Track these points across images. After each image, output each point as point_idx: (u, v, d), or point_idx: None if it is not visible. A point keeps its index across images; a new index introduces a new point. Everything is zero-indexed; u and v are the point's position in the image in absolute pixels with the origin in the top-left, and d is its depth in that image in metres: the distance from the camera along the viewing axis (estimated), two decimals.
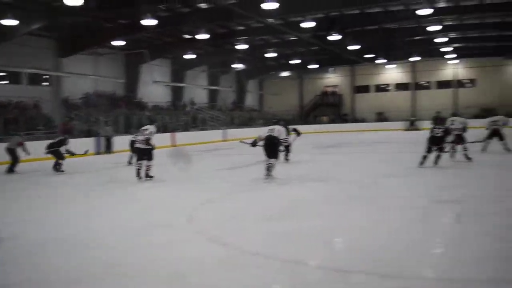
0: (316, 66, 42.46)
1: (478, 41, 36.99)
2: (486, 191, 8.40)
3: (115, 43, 27.05)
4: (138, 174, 11.20)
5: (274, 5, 19.66)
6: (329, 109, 48.46)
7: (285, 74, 48.39)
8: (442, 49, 38.10)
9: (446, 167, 12.07)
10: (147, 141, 11.17)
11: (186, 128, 30.90)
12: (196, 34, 26.75)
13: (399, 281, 4.14)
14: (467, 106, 42.40)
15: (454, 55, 40.59)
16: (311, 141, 25.50)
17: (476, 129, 19.96)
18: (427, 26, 29.02)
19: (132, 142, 13.73)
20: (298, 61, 40.14)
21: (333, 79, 49.51)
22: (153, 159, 11.34)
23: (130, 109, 29.43)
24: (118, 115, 26.82)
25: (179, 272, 4.51)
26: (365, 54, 38.04)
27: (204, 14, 24.22)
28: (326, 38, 28.46)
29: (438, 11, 25.87)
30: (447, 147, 12.59)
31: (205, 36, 26.53)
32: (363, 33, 31.15)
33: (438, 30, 30.09)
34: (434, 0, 24.73)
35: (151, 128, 11.55)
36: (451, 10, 26.61)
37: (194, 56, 33.19)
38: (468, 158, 13.02)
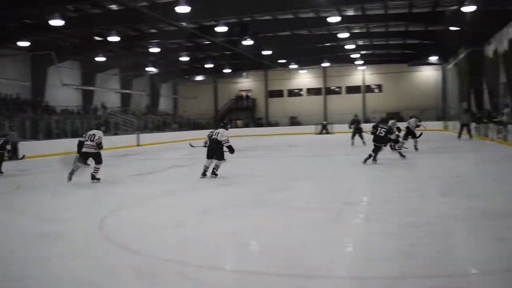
0: (230, 70, 42.86)
1: (384, 48, 38.95)
2: (393, 192, 8.79)
3: (21, 43, 25.72)
4: (70, 177, 11.20)
5: (187, 9, 19.55)
6: (243, 113, 48.99)
7: (199, 78, 48.28)
8: (351, 56, 39.69)
9: (361, 169, 12.54)
10: (98, 145, 11.40)
11: None
12: (107, 36, 26.04)
13: (311, 281, 4.22)
14: (374, 110, 44.37)
15: (362, 62, 42.46)
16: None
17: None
18: (337, 33, 30.14)
19: (80, 145, 14.06)
20: (212, 65, 40.22)
21: (247, 83, 50.03)
22: (101, 163, 11.50)
23: (37, 113, 28.05)
24: (24, 120, 25.46)
25: (92, 281, 4.35)
26: (278, 59, 38.79)
27: (114, 15, 23.63)
28: (240, 43, 28.73)
29: (346, 19, 26.95)
30: (393, 144, 13.81)
31: (116, 38, 25.88)
32: (275, 39, 31.76)
33: (347, 37, 31.38)
34: (342, 9, 25.70)
35: (98, 133, 11.58)
36: (358, 18, 27.82)
37: (105, 58, 32.27)
38: (403, 156, 14.18)
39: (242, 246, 5.53)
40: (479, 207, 7.01)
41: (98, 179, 11.40)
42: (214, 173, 11.54)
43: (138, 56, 35.43)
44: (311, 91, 48.48)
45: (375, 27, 31.36)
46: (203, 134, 13.61)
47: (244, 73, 48.92)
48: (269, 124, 47.26)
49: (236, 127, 45.70)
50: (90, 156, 11.60)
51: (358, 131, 22.20)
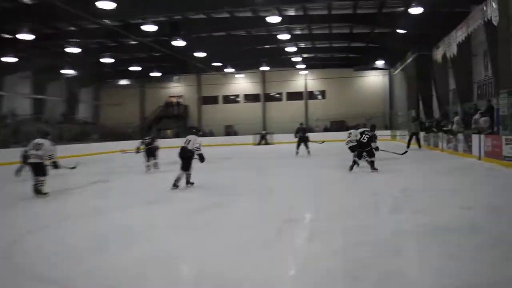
0: (159, 74, 42.49)
1: (328, 51, 39.81)
2: (338, 208, 8.94)
3: None
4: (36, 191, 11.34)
5: (111, 5, 19.22)
6: (174, 122, 48.59)
7: (124, 82, 47.59)
8: (293, 59, 40.25)
9: (303, 184, 12.69)
10: (47, 156, 11.53)
11: (5, 144, 28.79)
12: (18, 34, 25.16)
13: None
14: (317, 118, 45.22)
15: (304, 66, 43.18)
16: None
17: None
18: (277, 35, 30.47)
19: (25, 156, 14.40)
20: (139, 68, 39.74)
21: (178, 88, 49.84)
22: (47, 175, 11.59)
23: None
24: None
25: None
26: (212, 62, 38.80)
27: (27, 10, 22.92)
28: (170, 44, 28.56)
29: (287, 20, 27.36)
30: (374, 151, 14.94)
31: (29, 36, 25.08)
32: (209, 40, 31.80)
33: (288, 39, 31.82)
34: (283, 8, 26.07)
35: (46, 143, 11.63)
36: (300, 19, 28.29)
37: (15, 59, 31.15)
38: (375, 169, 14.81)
39: (168, 274, 5.40)
40: (428, 222, 7.25)
41: (45, 193, 11.40)
42: (188, 182, 12.25)
43: (53, 57, 34.43)
44: (249, 98, 48.87)
45: (318, 29, 31.98)
46: (130, 145, 13.41)
47: (175, 77, 48.79)
48: (203, 134, 47.15)
49: (166, 137, 45.27)
50: (36, 167, 11.49)
51: (303, 140, 22.78)
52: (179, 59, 34.64)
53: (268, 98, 48.45)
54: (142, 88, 49.57)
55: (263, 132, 42.27)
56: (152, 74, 41.91)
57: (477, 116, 18.95)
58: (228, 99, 49.28)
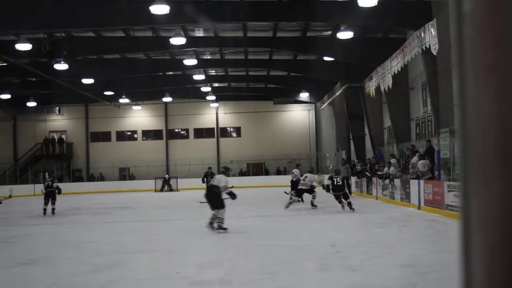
0: (35, 104, 41.29)
1: (243, 80, 40.33)
2: (257, 267, 8.89)
3: None
4: None
5: None
6: (55, 163, 46.97)
7: None
8: (202, 89, 40.36)
9: (214, 239, 12.61)
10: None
11: None
12: None
13: None
14: (232, 159, 45.39)
15: (214, 97, 43.38)
16: (29, 207, 24.51)
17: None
18: (183, 59, 30.38)
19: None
20: (9, 96, 38.45)
21: (61, 122, 48.76)
22: None
23: None
24: None
25: None
26: (103, 91, 38.26)
27: None
28: (50, 67, 27.94)
29: (193, 42, 27.42)
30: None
31: None
32: (100, 63, 31.44)
33: (195, 65, 31.72)
34: (189, 27, 26.19)
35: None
36: (209, 41, 28.58)
37: None
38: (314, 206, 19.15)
39: None
40: (363, 283, 7.35)
41: None
42: (220, 227, 13.12)
43: None
44: (149, 135, 48.64)
45: (231, 53, 32.36)
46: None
47: (56, 108, 47.60)
48: (91, 178, 46.21)
49: (44, 182, 43.87)
50: None
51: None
52: (61, 86, 33.89)
53: (172, 135, 48.43)
54: (14, 120, 48.08)
55: (166, 176, 41.87)
56: (28, 104, 40.73)
57: (415, 159, 19.54)
58: (123, 136, 48.77)
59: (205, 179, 25.60)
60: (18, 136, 48.58)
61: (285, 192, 21.78)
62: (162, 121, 48.32)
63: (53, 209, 19.96)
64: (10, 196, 20.74)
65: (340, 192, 18.20)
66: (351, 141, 32.81)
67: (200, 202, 14.98)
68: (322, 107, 42.21)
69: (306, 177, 19.97)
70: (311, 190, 19.56)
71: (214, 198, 13.30)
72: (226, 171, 14.42)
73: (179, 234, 13.94)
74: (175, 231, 13.71)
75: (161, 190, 40.05)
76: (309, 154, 45.87)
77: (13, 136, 48.60)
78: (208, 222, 13.21)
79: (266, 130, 46.80)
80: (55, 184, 20.54)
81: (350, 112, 31.56)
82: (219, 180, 13.65)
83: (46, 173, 35.73)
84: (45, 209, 19.85)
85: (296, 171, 22.46)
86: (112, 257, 10.36)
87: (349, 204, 17.80)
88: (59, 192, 20.90)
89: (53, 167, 46.03)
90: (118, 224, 17.83)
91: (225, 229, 13.11)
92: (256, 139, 46.73)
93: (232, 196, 13.36)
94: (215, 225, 13.16)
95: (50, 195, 19.98)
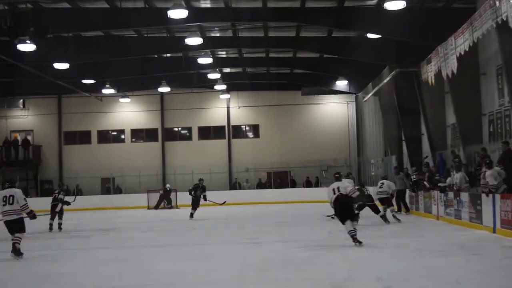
0: None
1: (262, 65, 40.14)
2: None
3: None
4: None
5: None
6: (18, 172, 46.86)
7: None
8: (209, 76, 40.01)
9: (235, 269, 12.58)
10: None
11: None
12: None
13: None
14: (247, 167, 45.18)
15: (224, 86, 43.05)
16: None
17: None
18: (184, 37, 29.98)
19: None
20: None
21: (26, 119, 48.88)
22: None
23: None
24: None
25: None
26: (81, 78, 38.22)
27: None
28: (13, 47, 28.00)
29: (196, 12, 27.19)
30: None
31: None
32: (77, 42, 31.40)
33: (199, 45, 31.09)
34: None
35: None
36: (219, 13, 28.34)
37: None
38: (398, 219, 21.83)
39: None
40: None
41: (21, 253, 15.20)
42: (356, 241, 14.99)
43: None
44: (140, 135, 48.95)
45: (246, 30, 32.14)
46: None
47: (20, 101, 47.63)
48: (66, 192, 46.17)
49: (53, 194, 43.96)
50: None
51: (195, 203, 27.41)
52: (27, 72, 34.01)
53: (171, 135, 48.59)
54: None
55: (167, 186, 41.29)
56: None
57: (486, 168, 18.92)
58: (107, 137, 49.02)
59: (192, 192, 27.76)
60: None
61: (330, 217, 21.84)
62: (158, 118, 48.33)
63: (59, 224, 24.10)
64: None
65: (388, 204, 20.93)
66: (403, 143, 32.53)
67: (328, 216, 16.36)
68: (365, 98, 41.98)
69: (382, 184, 22.85)
70: (389, 199, 22.69)
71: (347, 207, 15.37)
72: (339, 177, 16.20)
73: (183, 264, 13.88)
74: (177, 261, 13.54)
75: (156, 207, 39.82)
76: (348, 160, 45.48)
77: None
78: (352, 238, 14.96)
79: (292, 129, 46.68)
80: (60, 196, 24.32)
81: (402, 105, 31.18)
82: (345, 185, 15.57)
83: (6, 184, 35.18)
84: (51, 224, 24.08)
85: (348, 181, 21.79)
86: None
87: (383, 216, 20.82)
88: (67, 204, 24.71)
89: (16, 176, 45.65)
90: (100, 251, 17.82)
91: (360, 242, 15.04)
92: (279, 140, 46.56)
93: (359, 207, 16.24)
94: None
95: (55, 208, 23.97)
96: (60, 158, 48.71)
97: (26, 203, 15.66)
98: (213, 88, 43.55)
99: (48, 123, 48.84)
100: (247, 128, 48.40)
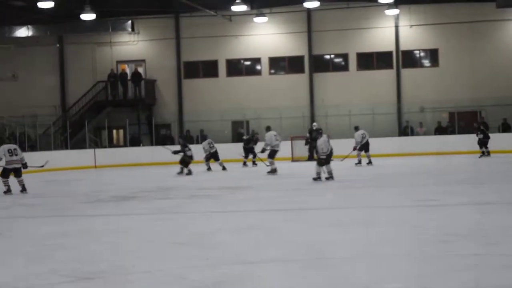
0: (93, 16, 41.09)
1: None
2: None
3: None
4: None
5: None
6: (126, 114, 47.52)
7: (23, 32, 47.27)
8: None
9: None
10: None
11: None
12: None
13: None
14: (423, 104, 44.72)
15: None
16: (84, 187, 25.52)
17: None
18: None
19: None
20: (52, 4, 38.68)
21: (136, 46, 49.77)
22: None
23: None
24: None
25: None
26: None
27: None
28: None
29: None
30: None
31: None
32: None
33: None
34: None
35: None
36: None
37: None
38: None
39: None
40: None
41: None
42: None
43: None
44: (280, 65, 49.05)
45: None
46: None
47: (128, 23, 48.34)
48: (187, 139, 46.64)
49: (109, 146, 44.84)
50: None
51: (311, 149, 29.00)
52: None
53: (320, 64, 48.60)
54: (60, 44, 49.55)
55: (314, 125, 40.04)
56: (82, 16, 41.19)
57: None
58: (238, 68, 49.50)
59: (308, 141, 30.59)
60: (66, 70, 50.08)
61: None
62: (304, 42, 48.25)
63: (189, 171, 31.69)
64: (42, 166, 27.42)
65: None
66: None
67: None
68: None
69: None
70: None
71: None
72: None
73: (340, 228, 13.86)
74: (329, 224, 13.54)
75: (309, 158, 39.01)
76: None
77: (60, 69, 50.19)
78: None
79: (484, 55, 45.80)
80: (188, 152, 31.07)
81: None
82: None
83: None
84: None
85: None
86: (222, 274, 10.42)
87: None
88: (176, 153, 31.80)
89: (125, 120, 46.36)
90: (240, 214, 18.04)
91: None
92: (465, 70, 45.86)
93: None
94: None
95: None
96: (179, 96, 49.33)
97: (23, 156, 24.69)
98: (376, 1, 43.20)
99: (164, 51, 49.56)
100: (422, 54, 47.95)
